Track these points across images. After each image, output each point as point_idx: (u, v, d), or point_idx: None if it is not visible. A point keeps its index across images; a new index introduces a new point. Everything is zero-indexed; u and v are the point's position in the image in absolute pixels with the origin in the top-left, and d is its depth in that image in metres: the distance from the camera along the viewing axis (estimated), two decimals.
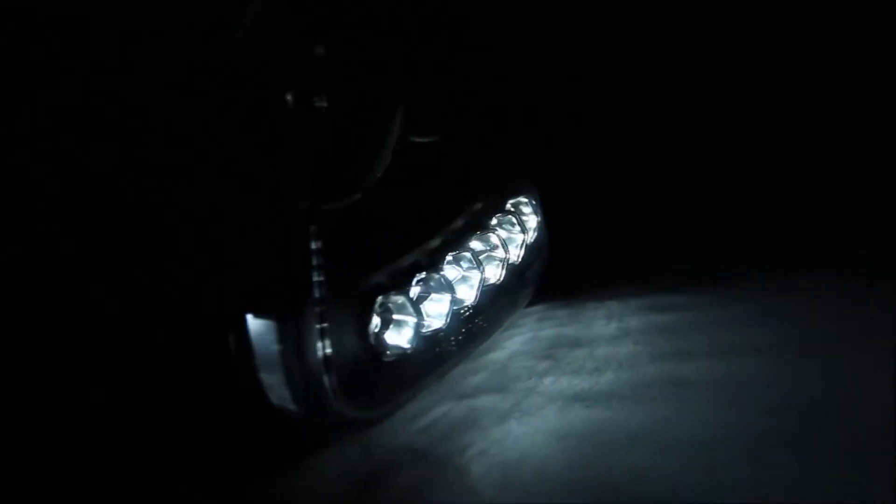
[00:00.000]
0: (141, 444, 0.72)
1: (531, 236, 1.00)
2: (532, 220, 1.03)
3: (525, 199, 1.03)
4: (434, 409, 0.83)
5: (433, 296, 0.85)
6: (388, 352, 0.79)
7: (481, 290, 0.89)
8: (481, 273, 0.89)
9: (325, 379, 0.70)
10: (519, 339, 1.00)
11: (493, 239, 0.94)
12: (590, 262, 1.16)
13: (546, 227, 1.04)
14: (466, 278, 0.90)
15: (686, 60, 1.16)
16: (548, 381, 0.88)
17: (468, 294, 0.89)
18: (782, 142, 1.16)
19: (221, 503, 0.70)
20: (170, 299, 0.75)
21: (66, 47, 0.72)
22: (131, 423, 0.73)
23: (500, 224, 0.98)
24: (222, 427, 0.74)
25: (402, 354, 0.80)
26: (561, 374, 0.89)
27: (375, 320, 0.79)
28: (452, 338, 0.86)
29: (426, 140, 0.96)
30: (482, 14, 1.04)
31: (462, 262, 0.90)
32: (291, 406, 0.70)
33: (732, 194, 1.17)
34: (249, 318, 0.70)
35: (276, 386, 0.70)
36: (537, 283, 1.04)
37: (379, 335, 0.79)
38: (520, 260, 0.97)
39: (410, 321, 0.81)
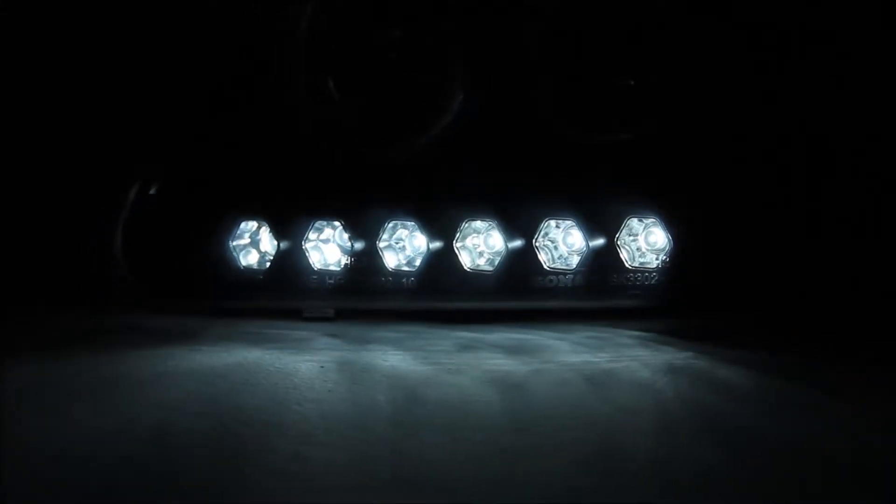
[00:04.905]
0: None
1: (631, 255, 0.94)
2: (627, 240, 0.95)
3: (641, 221, 0.95)
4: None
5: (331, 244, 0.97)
6: (237, 262, 0.96)
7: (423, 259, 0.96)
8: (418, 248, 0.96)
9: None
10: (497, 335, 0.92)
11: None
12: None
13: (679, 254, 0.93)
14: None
15: None
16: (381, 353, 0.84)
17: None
18: None
19: None
20: None
21: None
22: None
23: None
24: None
25: (251, 269, 0.96)
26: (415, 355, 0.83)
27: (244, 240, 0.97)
28: (316, 277, 0.97)
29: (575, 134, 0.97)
30: None
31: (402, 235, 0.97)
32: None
33: None
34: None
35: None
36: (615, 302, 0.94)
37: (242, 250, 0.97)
38: (565, 267, 0.94)
39: (268, 249, 0.97)
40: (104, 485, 0.48)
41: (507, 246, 0.93)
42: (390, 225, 0.95)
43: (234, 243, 0.95)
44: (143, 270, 0.95)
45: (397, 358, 0.81)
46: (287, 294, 0.94)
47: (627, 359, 0.80)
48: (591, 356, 0.81)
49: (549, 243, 0.94)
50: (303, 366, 0.77)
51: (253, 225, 0.96)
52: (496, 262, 0.93)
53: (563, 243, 0.94)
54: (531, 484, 0.50)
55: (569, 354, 0.83)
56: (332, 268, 0.95)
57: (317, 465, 0.52)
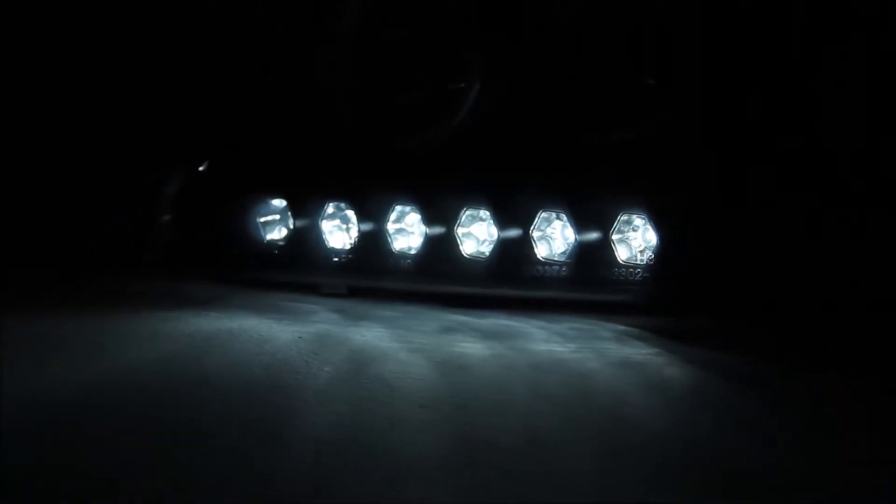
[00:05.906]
0: None
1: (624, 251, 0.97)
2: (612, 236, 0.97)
3: (636, 218, 0.97)
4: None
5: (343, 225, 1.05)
6: (262, 237, 1.06)
7: (424, 243, 1.01)
8: (423, 233, 1.02)
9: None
10: (487, 321, 0.97)
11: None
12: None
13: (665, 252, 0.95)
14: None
15: None
16: (365, 330, 0.90)
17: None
18: None
19: None
20: None
21: None
22: None
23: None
24: None
25: (273, 243, 1.06)
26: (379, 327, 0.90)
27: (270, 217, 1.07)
28: (326, 255, 1.05)
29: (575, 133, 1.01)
30: None
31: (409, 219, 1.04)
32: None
33: None
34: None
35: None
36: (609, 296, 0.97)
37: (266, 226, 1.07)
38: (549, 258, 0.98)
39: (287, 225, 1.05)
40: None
41: (499, 235, 0.96)
42: (399, 209, 1.00)
43: (261, 220, 1.04)
44: (184, 241, 1.05)
45: (375, 335, 0.86)
46: (302, 270, 1.02)
47: (589, 351, 0.82)
48: (559, 346, 0.84)
49: (546, 235, 0.96)
50: (283, 335, 0.84)
51: (282, 203, 1.04)
52: (492, 250, 0.97)
53: (560, 235, 0.96)
54: (395, 458, 0.54)
55: (538, 343, 0.85)
56: (345, 247, 1.01)
57: (225, 423, 0.59)
